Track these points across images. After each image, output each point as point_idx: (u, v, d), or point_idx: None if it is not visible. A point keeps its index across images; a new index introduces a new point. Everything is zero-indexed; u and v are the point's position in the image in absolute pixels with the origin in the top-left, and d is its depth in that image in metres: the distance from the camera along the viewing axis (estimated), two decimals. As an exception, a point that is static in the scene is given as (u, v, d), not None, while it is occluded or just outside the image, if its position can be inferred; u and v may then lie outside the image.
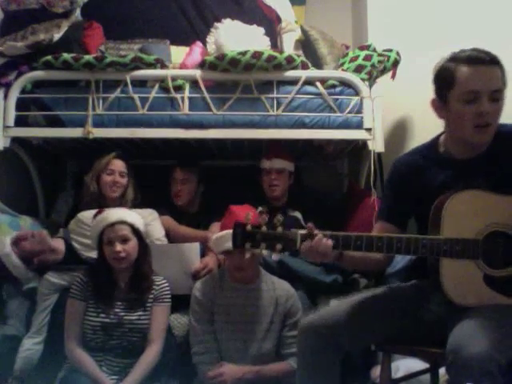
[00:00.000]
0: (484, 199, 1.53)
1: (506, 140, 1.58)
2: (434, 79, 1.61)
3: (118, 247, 2.11)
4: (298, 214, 2.80)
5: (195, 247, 2.49)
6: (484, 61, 1.51)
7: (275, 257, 1.51)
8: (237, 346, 2.13)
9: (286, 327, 2.16)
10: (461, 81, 1.52)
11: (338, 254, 1.54)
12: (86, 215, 2.51)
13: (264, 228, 1.48)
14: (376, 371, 2.18)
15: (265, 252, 1.51)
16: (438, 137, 1.70)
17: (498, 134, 1.58)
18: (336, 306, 1.67)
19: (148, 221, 2.50)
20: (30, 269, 2.43)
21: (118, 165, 2.72)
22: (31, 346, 2.32)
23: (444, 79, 1.56)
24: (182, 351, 2.23)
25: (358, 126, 2.66)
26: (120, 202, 2.68)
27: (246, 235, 1.48)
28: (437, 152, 1.66)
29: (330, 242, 1.48)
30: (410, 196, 1.67)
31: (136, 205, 2.68)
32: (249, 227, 1.48)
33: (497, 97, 1.51)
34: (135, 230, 2.18)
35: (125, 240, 2.14)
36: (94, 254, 2.38)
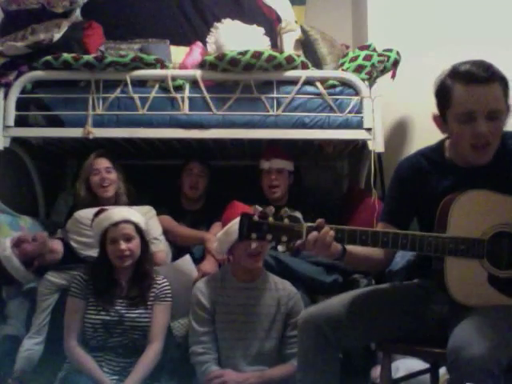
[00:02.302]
0: (491, 200, 1.53)
1: (505, 147, 1.57)
2: (435, 94, 1.59)
3: (123, 246, 2.12)
4: (298, 214, 2.79)
5: (187, 259, 2.46)
6: (481, 79, 1.47)
7: (281, 248, 1.50)
8: (238, 346, 2.12)
9: (288, 327, 2.14)
10: (456, 101, 1.50)
11: (341, 252, 1.54)
12: (83, 214, 2.51)
13: (271, 219, 1.48)
14: (376, 371, 2.19)
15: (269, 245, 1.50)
16: (443, 140, 1.68)
17: (504, 144, 1.57)
18: (337, 301, 1.65)
19: (145, 218, 2.49)
20: (30, 271, 2.42)
21: (102, 162, 2.70)
22: (31, 346, 2.31)
23: (442, 97, 1.55)
24: (181, 351, 2.22)
25: (358, 125, 2.66)
26: (115, 200, 2.67)
27: (253, 226, 1.46)
28: (442, 156, 1.65)
29: (332, 233, 1.48)
30: (413, 199, 1.67)
31: (132, 201, 2.67)
32: (255, 217, 1.47)
33: (495, 116, 1.48)
34: (138, 229, 2.19)
35: (129, 239, 2.15)
36: (92, 253, 2.38)
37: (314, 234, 1.47)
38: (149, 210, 2.64)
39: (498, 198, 1.52)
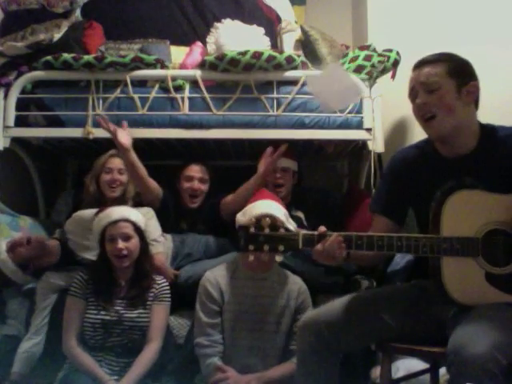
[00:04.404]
0: (482, 199, 1.54)
1: (492, 139, 1.61)
2: None
3: (120, 244, 2.12)
4: (300, 214, 2.79)
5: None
6: (425, 62, 1.62)
7: (278, 258, 1.52)
8: (244, 337, 2.10)
9: (295, 322, 2.12)
10: (408, 84, 1.67)
11: (346, 254, 1.55)
12: (82, 215, 2.50)
13: (267, 230, 1.50)
14: (376, 371, 2.18)
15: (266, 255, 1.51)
16: None
17: (485, 134, 1.61)
18: (337, 304, 1.66)
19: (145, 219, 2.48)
20: (27, 273, 2.42)
21: (116, 162, 2.71)
22: (30, 347, 2.29)
23: None
24: (181, 351, 2.22)
25: (358, 126, 2.67)
26: (121, 202, 2.66)
27: (250, 238, 1.49)
28: (433, 148, 1.68)
29: (343, 245, 1.50)
30: (406, 190, 1.69)
31: (137, 203, 2.67)
32: (251, 230, 1.49)
33: (431, 88, 1.58)
34: (137, 229, 2.19)
35: (127, 237, 2.15)
36: (89, 255, 2.38)
37: (322, 245, 1.50)
38: (148, 211, 2.63)
39: (488, 197, 1.54)
